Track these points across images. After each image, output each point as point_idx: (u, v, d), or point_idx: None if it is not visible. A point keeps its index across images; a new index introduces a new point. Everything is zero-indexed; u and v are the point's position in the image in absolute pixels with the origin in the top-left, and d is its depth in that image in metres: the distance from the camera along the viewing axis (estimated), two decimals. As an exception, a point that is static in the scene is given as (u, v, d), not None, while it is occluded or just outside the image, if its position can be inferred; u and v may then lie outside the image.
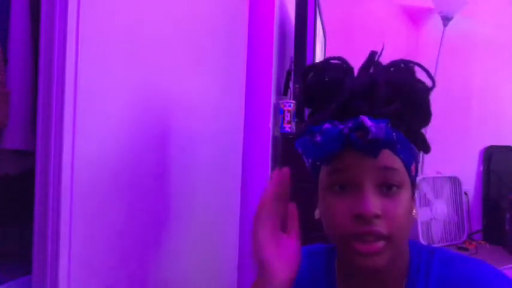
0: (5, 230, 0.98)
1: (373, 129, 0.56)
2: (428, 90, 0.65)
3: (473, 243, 2.68)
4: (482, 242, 2.74)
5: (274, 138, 1.92)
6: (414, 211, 0.64)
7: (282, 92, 2.07)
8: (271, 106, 1.88)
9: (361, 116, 0.58)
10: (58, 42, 0.75)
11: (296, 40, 1.88)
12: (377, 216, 0.58)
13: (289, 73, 2.05)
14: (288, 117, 1.86)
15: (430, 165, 2.66)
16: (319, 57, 2.18)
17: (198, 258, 1.41)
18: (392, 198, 0.60)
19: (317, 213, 0.68)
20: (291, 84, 2.04)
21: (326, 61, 0.68)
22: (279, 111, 1.89)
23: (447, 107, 2.69)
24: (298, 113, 1.88)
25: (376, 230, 0.58)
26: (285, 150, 1.82)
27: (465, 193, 2.80)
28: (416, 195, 0.66)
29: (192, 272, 1.36)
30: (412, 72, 0.66)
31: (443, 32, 2.73)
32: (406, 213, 0.60)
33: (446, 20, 2.72)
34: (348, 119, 0.60)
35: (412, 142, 0.64)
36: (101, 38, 0.85)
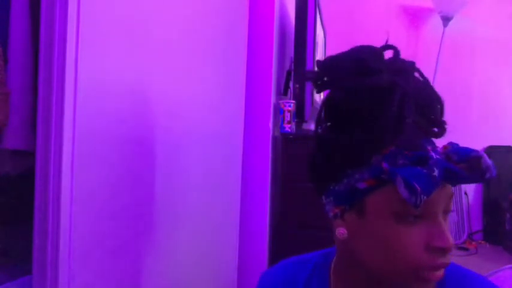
0: (5, 230, 0.98)
1: (492, 168, 0.54)
2: None
3: (473, 243, 2.68)
4: (482, 242, 2.75)
5: (274, 138, 1.93)
6: None
7: (282, 92, 2.07)
8: (271, 106, 1.88)
9: (479, 152, 0.55)
10: (58, 42, 0.75)
11: (296, 40, 1.88)
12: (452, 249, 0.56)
13: (289, 73, 2.05)
14: (288, 117, 1.86)
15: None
16: (319, 57, 2.18)
17: (198, 259, 1.41)
18: (447, 221, 0.58)
19: (342, 234, 0.60)
20: (291, 84, 2.04)
21: (369, 50, 0.59)
22: (279, 111, 1.89)
23: (447, 107, 2.69)
24: (298, 113, 1.88)
25: (448, 263, 0.57)
26: (285, 150, 1.82)
27: (465, 193, 2.80)
28: None
29: (192, 272, 1.36)
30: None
31: (443, 32, 2.73)
32: None
33: (446, 20, 2.72)
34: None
35: None
36: (101, 38, 0.85)
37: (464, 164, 0.54)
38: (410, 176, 0.52)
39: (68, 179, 0.76)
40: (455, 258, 0.78)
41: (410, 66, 0.59)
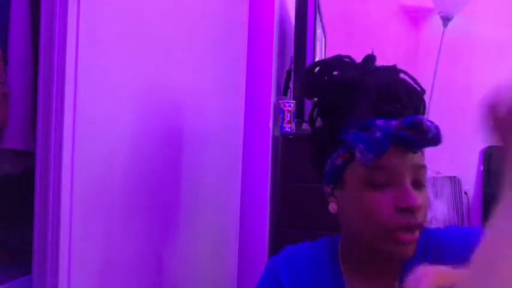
0: (5, 230, 0.98)
1: (434, 129, 0.62)
2: None
3: (473, 243, 2.68)
4: (482, 242, 2.74)
5: (274, 138, 1.93)
6: None
7: (282, 92, 2.07)
8: (271, 106, 1.88)
9: (419, 116, 0.62)
10: (58, 42, 0.75)
11: (296, 40, 1.88)
12: (420, 209, 0.63)
13: (289, 73, 2.05)
14: (288, 117, 1.86)
15: (430, 165, 2.65)
16: (319, 57, 2.18)
17: (198, 258, 1.41)
18: (422, 193, 0.65)
19: (333, 208, 0.71)
20: (291, 84, 2.04)
21: (339, 58, 0.71)
22: (279, 111, 1.89)
23: (447, 107, 2.70)
24: (298, 113, 1.88)
25: (420, 222, 0.63)
26: (285, 150, 1.82)
27: (465, 193, 2.80)
28: None
29: (192, 271, 1.36)
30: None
31: (443, 32, 2.73)
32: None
33: (446, 20, 2.72)
34: (383, 117, 0.64)
35: None
36: (101, 38, 0.85)
37: (411, 130, 0.61)
38: (356, 139, 0.63)
39: (68, 179, 0.76)
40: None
41: (387, 68, 0.70)
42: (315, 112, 0.74)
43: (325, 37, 2.47)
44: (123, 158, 0.95)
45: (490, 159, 2.81)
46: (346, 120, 0.66)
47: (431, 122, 0.62)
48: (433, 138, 0.62)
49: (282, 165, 1.83)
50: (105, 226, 0.89)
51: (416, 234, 0.64)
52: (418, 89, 0.69)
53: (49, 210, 0.75)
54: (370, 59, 0.71)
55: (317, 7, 1.94)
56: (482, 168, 2.86)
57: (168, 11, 1.12)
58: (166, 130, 1.14)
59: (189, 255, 1.33)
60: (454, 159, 2.78)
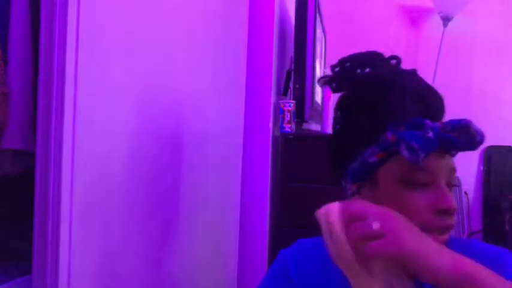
0: (5, 230, 0.98)
1: (480, 132, 0.62)
2: None
3: (473, 243, 2.68)
4: (482, 242, 2.74)
5: (274, 138, 1.93)
6: None
7: (282, 92, 2.07)
8: (271, 106, 1.88)
9: (468, 120, 0.63)
10: (58, 42, 0.75)
11: (296, 40, 1.88)
12: (455, 211, 0.64)
13: (289, 73, 2.05)
14: (288, 117, 1.86)
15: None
16: (319, 57, 2.18)
17: (197, 258, 1.41)
18: (453, 195, 0.65)
19: None
20: (291, 84, 2.04)
21: (372, 55, 0.70)
22: (279, 111, 1.89)
23: (447, 107, 2.69)
24: (298, 113, 1.88)
25: (454, 224, 0.64)
26: (285, 150, 1.82)
27: (465, 193, 2.80)
28: None
29: (192, 271, 1.36)
30: None
31: (443, 32, 2.73)
32: None
33: (446, 20, 2.72)
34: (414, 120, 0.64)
35: None
36: (101, 38, 0.85)
37: (456, 132, 0.62)
38: (408, 137, 0.61)
39: (68, 179, 0.76)
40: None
41: (411, 71, 0.70)
42: (340, 110, 0.72)
43: (325, 37, 2.47)
44: (123, 157, 0.95)
45: (490, 159, 2.81)
46: (382, 117, 0.65)
47: (476, 126, 0.63)
48: (480, 141, 0.63)
49: (282, 165, 1.83)
50: (105, 226, 0.89)
51: (447, 235, 0.64)
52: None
53: (49, 210, 0.75)
54: (397, 59, 0.71)
55: (317, 7, 1.94)
56: (482, 168, 2.86)
57: (168, 11, 1.12)
58: (166, 130, 1.14)
59: (189, 255, 1.33)
60: (454, 159, 2.77)
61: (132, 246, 1.00)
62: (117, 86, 0.91)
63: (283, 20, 2.12)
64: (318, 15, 1.98)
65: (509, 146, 2.80)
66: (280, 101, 1.90)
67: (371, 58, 0.70)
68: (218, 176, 1.58)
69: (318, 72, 2.14)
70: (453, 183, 0.66)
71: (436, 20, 2.79)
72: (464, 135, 0.62)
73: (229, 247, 1.79)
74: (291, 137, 1.81)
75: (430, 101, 0.68)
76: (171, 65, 1.15)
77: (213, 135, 1.49)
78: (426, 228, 0.60)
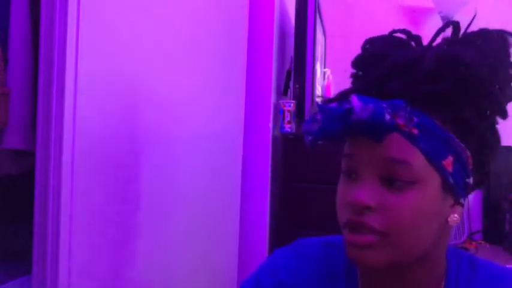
0: (5, 230, 0.98)
1: (357, 109, 0.49)
2: (501, 71, 0.54)
3: (473, 243, 2.68)
4: (482, 242, 2.74)
5: (274, 138, 1.92)
6: (453, 218, 0.55)
7: (282, 92, 2.07)
8: (271, 106, 1.88)
9: (353, 95, 0.50)
10: (58, 42, 0.75)
11: (296, 40, 1.88)
12: (368, 208, 0.51)
13: (289, 73, 2.05)
14: (288, 117, 1.86)
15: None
16: (319, 57, 2.18)
17: (198, 258, 1.41)
18: (397, 194, 0.51)
19: None
20: (291, 84, 2.04)
21: (389, 34, 0.60)
22: (279, 111, 1.89)
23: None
24: (298, 113, 1.88)
25: (366, 222, 0.52)
26: (285, 150, 1.82)
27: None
28: (463, 200, 0.56)
29: (192, 271, 1.36)
30: (497, 50, 0.54)
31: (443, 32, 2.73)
32: (417, 214, 0.52)
33: (446, 20, 2.72)
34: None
35: (459, 134, 0.53)
36: (101, 38, 0.85)
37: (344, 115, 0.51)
38: (310, 116, 0.55)
39: (68, 179, 0.76)
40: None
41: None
42: None
43: (325, 37, 2.47)
44: (123, 157, 0.95)
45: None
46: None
47: (371, 102, 0.49)
48: (357, 120, 0.49)
49: (282, 165, 1.83)
50: (105, 226, 0.89)
51: (370, 237, 0.52)
52: (485, 67, 0.54)
53: (49, 210, 0.75)
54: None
55: (317, 7, 1.94)
56: (482, 168, 2.85)
57: (168, 11, 1.12)
58: (166, 130, 1.14)
59: (189, 255, 1.33)
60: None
61: (132, 246, 1.00)
62: (117, 86, 0.91)
63: (283, 20, 2.12)
64: (318, 15, 1.98)
65: (509, 146, 2.80)
66: (280, 101, 1.90)
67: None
68: (218, 176, 1.58)
69: (318, 73, 2.14)
70: (396, 178, 0.51)
71: (436, 20, 2.79)
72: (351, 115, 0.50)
73: (229, 247, 1.78)
74: (291, 137, 1.81)
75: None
76: (171, 65, 1.15)
77: (213, 135, 1.49)
78: (342, 224, 0.55)
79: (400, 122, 0.50)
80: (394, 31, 0.60)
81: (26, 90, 0.90)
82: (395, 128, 0.50)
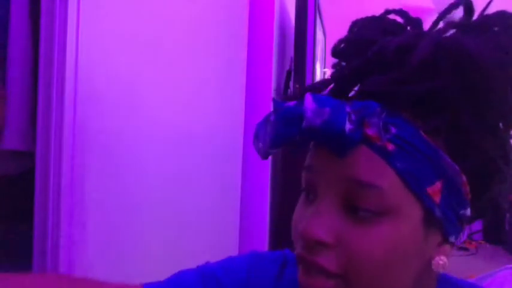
0: (5, 230, 0.98)
1: (309, 113, 0.37)
2: (508, 66, 0.38)
3: (473, 243, 2.68)
4: (482, 242, 2.74)
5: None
6: (439, 261, 0.41)
7: (282, 92, 2.07)
8: (271, 106, 1.88)
9: (307, 93, 0.38)
10: (58, 42, 0.75)
11: (296, 40, 1.88)
12: (323, 244, 0.39)
13: (289, 73, 2.05)
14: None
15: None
16: (319, 57, 2.18)
17: (198, 259, 1.41)
18: (363, 227, 0.38)
19: None
20: (291, 84, 2.04)
21: (382, 15, 0.47)
22: (279, 111, 1.89)
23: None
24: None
25: (319, 264, 0.39)
26: (285, 150, 1.82)
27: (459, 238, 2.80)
28: (454, 238, 0.42)
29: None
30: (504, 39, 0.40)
31: (443, 32, 2.73)
32: (387, 255, 0.38)
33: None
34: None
35: (454, 150, 0.40)
36: (101, 38, 0.85)
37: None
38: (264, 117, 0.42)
39: (68, 179, 0.76)
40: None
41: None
42: None
43: (325, 38, 2.47)
44: (122, 157, 0.95)
45: (490, 159, 2.81)
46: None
47: (329, 104, 0.37)
48: (308, 127, 0.37)
49: (282, 165, 1.83)
50: (105, 226, 0.89)
51: (323, 283, 0.39)
52: (491, 60, 0.39)
53: (49, 210, 0.75)
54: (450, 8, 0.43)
55: (317, 7, 1.94)
56: (482, 168, 2.85)
57: (168, 11, 1.12)
58: (166, 130, 1.14)
59: (189, 255, 1.33)
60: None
61: (132, 245, 1.00)
62: (117, 86, 0.91)
63: (283, 20, 2.12)
64: (318, 16, 1.98)
65: (509, 146, 2.80)
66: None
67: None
68: (218, 176, 1.58)
69: (318, 73, 2.14)
70: (363, 206, 0.38)
71: (436, 20, 2.79)
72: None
73: (229, 247, 1.78)
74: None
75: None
76: (171, 65, 1.15)
77: (213, 136, 1.49)
78: (296, 256, 0.42)
79: (371, 132, 0.37)
80: (389, 11, 0.47)
81: (26, 90, 0.90)
82: (362, 140, 0.37)
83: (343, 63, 0.45)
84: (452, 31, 0.41)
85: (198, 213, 1.39)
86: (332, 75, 0.45)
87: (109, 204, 0.90)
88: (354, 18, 0.50)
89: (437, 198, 0.38)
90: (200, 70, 1.37)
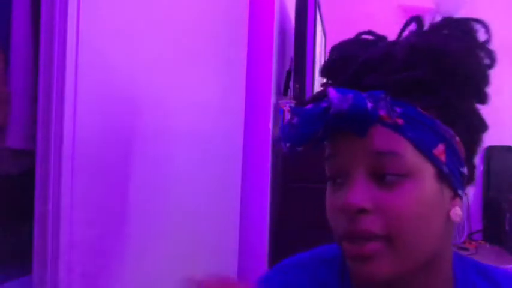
0: (5, 230, 0.98)
1: (335, 100, 0.46)
2: (472, 53, 0.52)
3: (473, 243, 2.68)
4: (482, 242, 2.74)
5: (275, 138, 1.92)
6: (455, 211, 0.51)
7: (282, 92, 2.07)
8: (271, 106, 1.88)
9: (329, 88, 0.47)
10: (58, 42, 0.75)
11: (296, 40, 1.88)
12: (363, 211, 0.47)
13: (289, 73, 2.05)
14: (288, 117, 1.86)
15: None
16: (319, 57, 2.18)
17: (198, 259, 1.41)
18: (391, 190, 0.47)
19: None
20: (291, 84, 2.04)
21: (355, 37, 0.58)
22: (279, 111, 1.89)
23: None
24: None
25: (364, 229, 0.46)
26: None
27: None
28: (461, 192, 0.53)
29: (192, 272, 1.36)
30: (463, 35, 0.52)
31: (443, 32, 2.73)
32: (417, 208, 0.47)
33: (446, 20, 2.72)
34: None
35: (449, 120, 0.50)
36: (101, 38, 0.85)
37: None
38: (284, 123, 0.52)
39: (68, 179, 0.76)
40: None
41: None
42: None
43: (325, 37, 2.47)
44: (122, 158, 0.95)
45: (490, 159, 2.81)
46: None
47: (350, 93, 0.47)
48: (337, 112, 0.46)
49: (282, 165, 1.83)
50: (105, 226, 0.89)
51: (372, 245, 0.47)
52: (454, 48, 0.52)
53: (49, 210, 0.75)
54: (410, 21, 0.59)
55: (317, 7, 1.94)
56: (482, 168, 2.86)
57: (167, 11, 1.12)
58: (166, 130, 1.14)
59: (189, 255, 1.33)
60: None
61: (132, 246, 1.00)
62: (117, 86, 0.91)
63: (283, 20, 2.12)
64: (318, 15, 1.98)
65: (509, 146, 2.80)
66: (280, 101, 1.90)
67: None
68: (218, 176, 1.58)
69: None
70: (386, 172, 0.47)
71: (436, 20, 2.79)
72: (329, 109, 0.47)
73: (229, 247, 1.78)
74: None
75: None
76: (170, 65, 1.15)
77: (213, 136, 1.49)
78: (338, 236, 0.50)
79: (382, 113, 0.47)
80: (360, 33, 0.58)
81: (27, 90, 0.90)
82: (378, 119, 0.47)
83: (330, 82, 0.56)
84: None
85: (197, 213, 1.39)
86: (328, 84, 0.56)
87: (110, 204, 0.90)
88: (354, 19, 0.68)
89: (443, 158, 0.49)
90: (200, 70, 1.37)
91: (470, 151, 0.53)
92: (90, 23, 0.80)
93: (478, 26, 0.54)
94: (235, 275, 1.85)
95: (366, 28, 0.59)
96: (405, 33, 0.55)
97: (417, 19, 0.55)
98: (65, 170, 0.75)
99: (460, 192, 0.52)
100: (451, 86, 0.50)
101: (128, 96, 0.96)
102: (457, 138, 0.50)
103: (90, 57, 0.81)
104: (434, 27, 0.54)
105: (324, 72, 0.57)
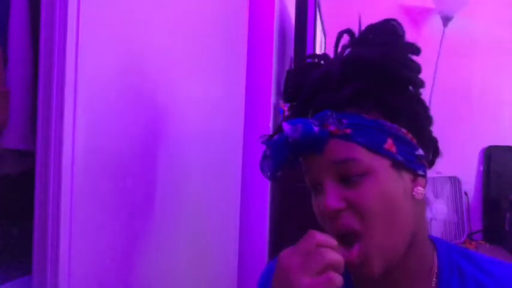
0: (5, 229, 0.98)
1: (288, 132, 0.56)
2: (396, 51, 0.59)
3: (473, 243, 2.68)
4: (482, 242, 2.75)
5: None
6: (417, 191, 0.60)
7: (282, 92, 2.07)
8: (271, 106, 1.88)
9: (283, 122, 0.58)
10: (58, 42, 0.75)
11: (296, 40, 1.88)
12: (340, 210, 0.57)
13: (289, 73, 2.05)
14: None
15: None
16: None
17: (197, 259, 1.41)
18: (358, 187, 0.57)
19: None
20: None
21: (303, 62, 0.68)
22: (279, 111, 1.89)
23: (447, 107, 2.70)
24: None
25: (344, 223, 0.56)
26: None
27: (465, 193, 2.80)
28: (422, 171, 0.60)
29: (192, 272, 1.36)
30: (386, 38, 0.60)
31: (443, 32, 2.73)
32: (383, 197, 0.56)
33: (446, 20, 2.72)
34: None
35: (392, 116, 0.58)
36: (101, 38, 0.85)
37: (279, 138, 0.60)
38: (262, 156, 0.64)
39: (68, 179, 0.76)
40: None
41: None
42: None
43: (325, 37, 2.47)
44: (123, 158, 0.95)
45: (490, 159, 2.81)
46: None
47: (299, 122, 0.57)
48: (294, 141, 0.57)
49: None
50: (105, 226, 0.89)
51: (355, 249, 0.56)
52: (376, 54, 0.60)
53: (49, 210, 0.75)
54: (337, 40, 0.68)
55: (317, 7, 1.94)
56: (482, 168, 2.86)
57: (167, 11, 1.12)
58: (166, 130, 1.14)
59: (189, 255, 1.33)
60: (454, 159, 2.78)
61: (132, 246, 1.00)
62: (117, 86, 0.91)
63: (283, 20, 2.12)
64: (318, 15, 1.98)
65: (509, 146, 2.80)
66: (280, 101, 1.90)
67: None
68: (218, 176, 1.58)
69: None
70: (350, 174, 0.56)
71: (436, 20, 2.79)
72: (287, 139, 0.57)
73: (229, 247, 1.78)
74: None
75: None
76: (170, 65, 1.15)
77: (213, 136, 1.49)
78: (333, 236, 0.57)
79: (332, 128, 0.56)
80: (308, 56, 0.69)
81: (26, 90, 0.90)
82: (329, 135, 0.56)
83: (294, 104, 0.65)
84: (348, 50, 0.62)
85: (197, 213, 1.39)
86: (290, 109, 0.66)
87: (110, 204, 0.90)
88: (354, 18, 0.67)
89: (393, 150, 0.57)
90: (200, 70, 1.37)
91: (422, 134, 0.60)
92: (90, 22, 0.80)
93: (395, 23, 0.61)
94: (235, 275, 1.85)
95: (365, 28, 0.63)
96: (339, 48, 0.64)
97: (348, 31, 0.63)
98: (65, 170, 0.75)
99: (420, 172, 0.60)
100: (385, 88, 0.58)
101: (128, 96, 0.96)
102: (403, 130, 0.58)
103: (91, 57, 0.80)
104: (361, 37, 0.62)
105: (284, 97, 0.69)
